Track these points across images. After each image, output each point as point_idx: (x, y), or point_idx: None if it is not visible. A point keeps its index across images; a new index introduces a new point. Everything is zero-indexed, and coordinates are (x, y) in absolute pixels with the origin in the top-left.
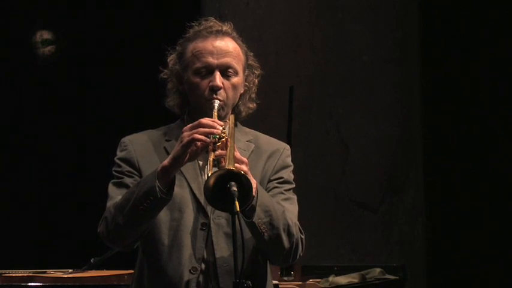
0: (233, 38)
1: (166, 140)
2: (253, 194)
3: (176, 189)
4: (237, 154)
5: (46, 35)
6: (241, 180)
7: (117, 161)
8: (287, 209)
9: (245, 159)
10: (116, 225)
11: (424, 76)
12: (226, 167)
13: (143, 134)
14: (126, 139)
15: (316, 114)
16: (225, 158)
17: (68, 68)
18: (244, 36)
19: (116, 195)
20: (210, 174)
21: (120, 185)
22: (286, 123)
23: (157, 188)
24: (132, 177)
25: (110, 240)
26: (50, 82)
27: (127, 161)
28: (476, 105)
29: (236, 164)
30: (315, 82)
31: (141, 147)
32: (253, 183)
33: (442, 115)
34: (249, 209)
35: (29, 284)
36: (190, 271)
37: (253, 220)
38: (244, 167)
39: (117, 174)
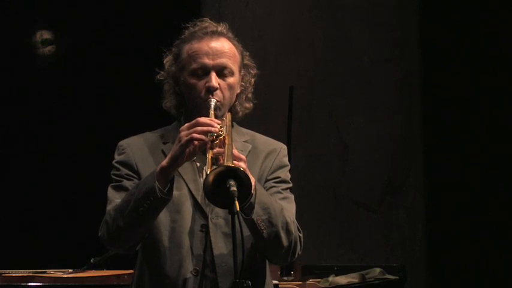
0: (228, 38)
1: (164, 143)
2: (252, 191)
3: (175, 191)
4: (235, 151)
5: (46, 35)
6: (240, 176)
7: (116, 164)
8: (285, 207)
9: (243, 157)
10: (116, 227)
11: (424, 76)
12: (225, 164)
13: (140, 137)
14: (124, 142)
15: (316, 114)
16: (224, 156)
17: (68, 68)
18: (244, 36)
19: (115, 198)
20: (209, 172)
21: (119, 188)
22: (286, 123)
23: (157, 189)
24: (131, 180)
25: (111, 243)
26: (49, 82)
27: (125, 164)
28: (476, 105)
29: (234, 161)
30: (315, 82)
31: (139, 150)
32: (252, 180)
33: (442, 115)
34: (247, 206)
35: (29, 284)
36: (191, 272)
37: (252, 217)
38: (242, 164)
39: (116, 178)
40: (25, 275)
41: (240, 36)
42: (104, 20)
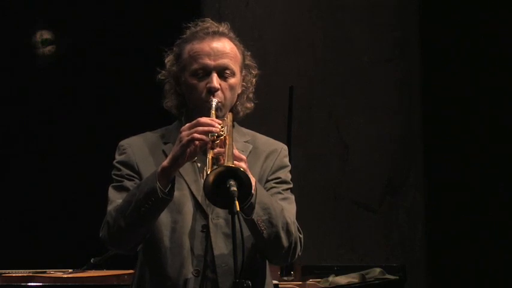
0: (230, 39)
1: (164, 143)
2: (252, 191)
3: (176, 192)
4: (236, 151)
5: (46, 35)
6: (241, 177)
7: (117, 164)
8: (285, 208)
9: (243, 157)
10: (118, 228)
11: (424, 76)
12: (225, 164)
13: (141, 136)
14: (125, 142)
15: (316, 114)
16: (224, 156)
17: (68, 68)
18: (244, 36)
19: (116, 198)
20: (209, 172)
21: (120, 188)
22: (286, 123)
23: (158, 189)
24: (132, 180)
25: (112, 244)
26: (49, 82)
27: (126, 164)
28: (476, 105)
29: (235, 161)
30: (315, 82)
31: (140, 151)
32: (252, 180)
33: (442, 115)
34: (248, 206)
35: (29, 284)
36: (192, 273)
37: (253, 217)
38: (243, 164)
39: (117, 178)
40: (25, 275)
41: (240, 36)
42: (104, 20)
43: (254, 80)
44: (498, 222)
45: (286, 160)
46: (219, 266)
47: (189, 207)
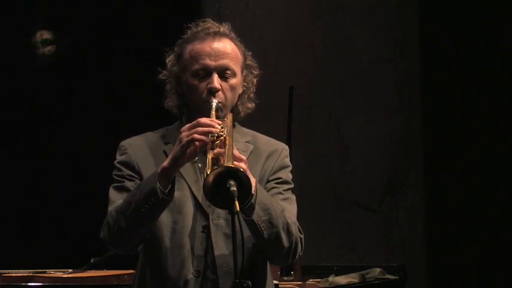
0: (231, 39)
1: (165, 143)
2: (252, 191)
3: (176, 192)
4: (236, 152)
5: (46, 35)
6: (240, 177)
7: (117, 165)
8: (286, 208)
9: (243, 157)
10: (118, 228)
11: (424, 76)
12: (225, 165)
13: (141, 137)
14: (126, 143)
15: (316, 114)
16: (224, 156)
17: (68, 68)
18: (244, 36)
19: (117, 199)
20: (209, 172)
21: (121, 188)
22: (286, 123)
23: (158, 189)
24: (132, 180)
25: (113, 245)
26: (49, 82)
27: (127, 164)
28: (476, 105)
29: (235, 162)
30: (315, 82)
31: (141, 151)
32: (252, 181)
33: (442, 115)
34: (248, 207)
35: (29, 284)
36: (192, 273)
37: (253, 218)
38: (243, 165)
39: (118, 178)
40: (25, 275)
41: (240, 36)
42: (104, 20)
43: (255, 80)
44: (498, 222)
45: (287, 160)
46: (220, 267)
47: (189, 208)
